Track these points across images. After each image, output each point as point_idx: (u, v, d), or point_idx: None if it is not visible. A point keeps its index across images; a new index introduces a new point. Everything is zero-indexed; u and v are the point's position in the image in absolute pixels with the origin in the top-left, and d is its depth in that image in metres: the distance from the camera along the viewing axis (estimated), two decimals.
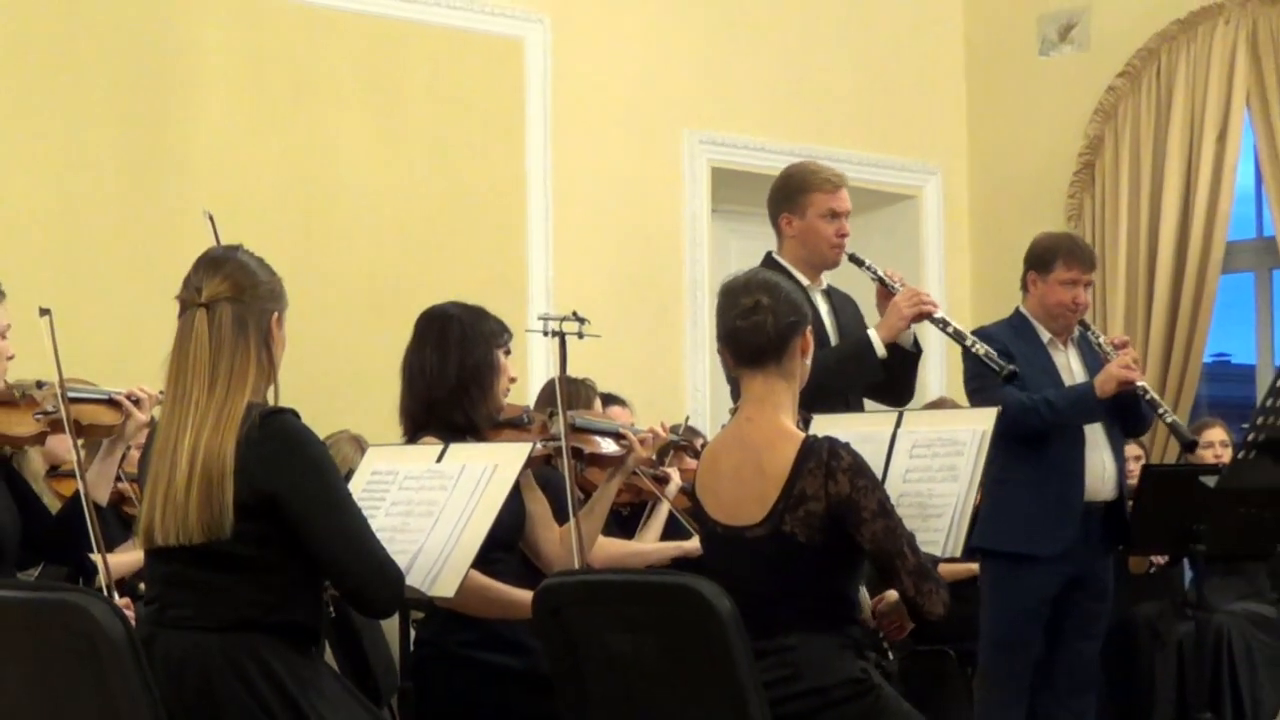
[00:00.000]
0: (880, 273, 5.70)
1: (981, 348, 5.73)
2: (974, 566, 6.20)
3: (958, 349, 6.13)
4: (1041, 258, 6.12)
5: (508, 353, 4.90)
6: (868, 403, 5.76)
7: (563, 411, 4.93)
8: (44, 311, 4.40)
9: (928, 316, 5.60)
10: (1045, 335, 6.10)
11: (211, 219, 3.92)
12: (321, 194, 8.82)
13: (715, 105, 10.20)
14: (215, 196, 8.24)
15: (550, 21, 9.59)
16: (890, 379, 5.65)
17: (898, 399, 5.78)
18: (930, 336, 6.04)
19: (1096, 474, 5.99)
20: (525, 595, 4.36)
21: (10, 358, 4.45)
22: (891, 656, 4.58)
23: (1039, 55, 11.05)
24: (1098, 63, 10.75)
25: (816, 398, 4.58)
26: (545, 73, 9.55)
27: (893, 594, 4.21)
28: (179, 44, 8.51)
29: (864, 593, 4.35)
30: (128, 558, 5.28)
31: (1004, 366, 5.66)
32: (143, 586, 4.13)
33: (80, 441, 4.67)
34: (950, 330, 5.74)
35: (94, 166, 8.23)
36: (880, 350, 5.52)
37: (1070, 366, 6.09)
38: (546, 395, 6.13)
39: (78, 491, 4.47)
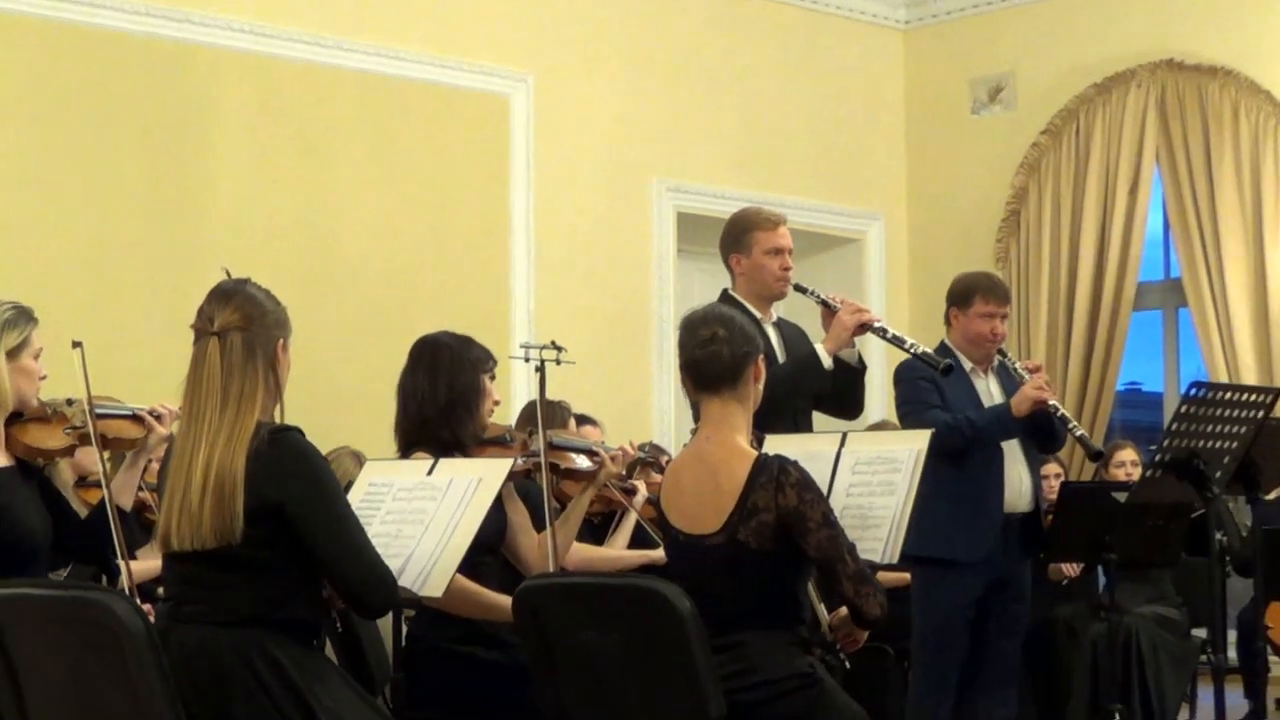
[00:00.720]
0: (823, 296, 5.72)
1: (919, 347, 5.75)
2: (907, 576, 6.19)
3: (898, 378, 6.15)
4: (962, 294, 6.12)
5: (492, 378, 4.90)
6: (815, 423, 5.78)
7: (542, 431, 4.93)
8: (76, 344, 4.39)
9: (869, 326, 5.61)
10: (968, 364, 6.10)
11: (228, 273, 3.92)
12: (326, 234, 8.83)
13: (681, 157, 10.23)
14: (231, 238, 8.28)
15: (533, 81, 9.63)
16: (840, 394, 5.66)
17: (849, 412, 5.80)
18: (873, 370, 6.04)
19: (1015, 487, 6.00)
20: (505, 599, 4.37)
21: (43, 378, 4.45)
22: (849, 665, 4.55)
23: (971, 114, 11.11)
24: (1023, 121, 10.81)
25: (770, 417, 4.58)
26: (528, 127, 9.59)
27: (845, 610, 4.21)
28: (199, 102, 8.53)
29: (821, 609, 4.35)
30: (146, 565, 5.26)
31: (940, 360, 5.70)
32: (160, 590, 4.11)
33: (106, 454, 4.66)
34: (889, 336, 5.75)
35: (122, 212, 8.25)
36: (826, 361, 5.52)
37: (990, 391, 6.09)
38: (527, 415, 6.13)
39: (103, 499, 4.46)
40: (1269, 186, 9.82)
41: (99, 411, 4.51)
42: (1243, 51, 9.98)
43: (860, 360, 5.73)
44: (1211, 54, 10.07)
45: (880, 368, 8.52)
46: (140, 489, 4.79)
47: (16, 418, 4.42)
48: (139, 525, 5.30)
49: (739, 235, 5.74)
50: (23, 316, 4.39)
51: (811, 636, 4.19)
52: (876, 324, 5.65)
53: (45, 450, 4.53)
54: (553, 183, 9.65)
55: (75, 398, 4.51)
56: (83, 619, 3.37)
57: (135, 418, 4.64)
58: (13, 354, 4.33)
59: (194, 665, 3.50)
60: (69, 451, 4.67)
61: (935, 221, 11.14)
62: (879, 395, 9.43)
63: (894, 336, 5.75)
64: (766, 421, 4.50)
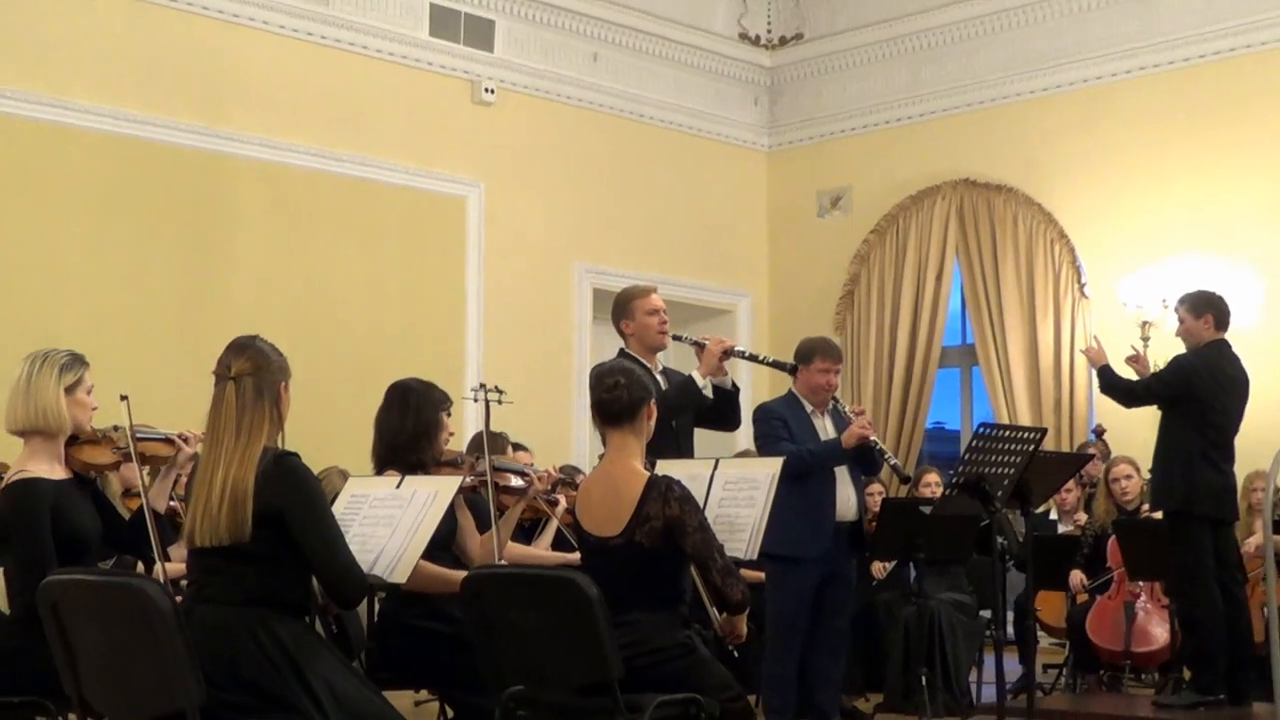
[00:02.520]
0: (694, 339, 5.73)
1: (770, 357, 5.79)
2: (762, 575, 6.16)
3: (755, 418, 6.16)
4: (805, 354, 6.09)
5: (449, 414, 4.87)
6: (699, 440, 5.77)
7: (488, 455, 4.92)
8: (123, 397, 4.33)
9: (730, 351, 5.61)
10: (809, 407, 6.07)
11: None
12: (322, 301, 8.81)
13: (597, 246, 10.29)
14: (247, 304, 8.25)
15: (484, 187, 9.69)
16: (721, 411, 5.66)
17: (729, 425, 5.78)
18: (743, 413, 6.02)
19: (844, 502, 5.98)
20: (457, 574, 4.33)
21: (94, 409, 4.39)
22: (736, 654, 4.50)
23: (817, 217, 11.23)
24: (856, 223, 10.94)
25: (662, 442, 4.58)
26: (480, 222, 9.64)
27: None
28: (224, 198, 8.52)
29: (714, 611, 4.32)
30: (173, 567, 5.19)
31: (787, 363, 5.70)
32: (184, 583, 4.05)
33: (145, 469, 4.60)
34: (747, 355, 5.77)
35: (162, 284, 8.22)
36: (701, 382, 5.52)
37: (826, 428, 6.08)
38: (475, 443, 6.08)
39: (142, 505, 4.41)
40: (1039, 276, 9.99)
41: (138, 435, 4.46)
42: (1022, 174, 10.16)
43: (734, 385, 5.74)
44: (998, 175, 10.25)
45: (745, 410, 8.58)
46: (171, 499, 4.72)
47: (74, 440, 4.36)
48: (171, 526, 5.24)
49: (624, 305, 5.76)
50: (77, 361, 4.34)
51: (690, 615, 4.19)
52: (736, 349, 5.67)
53: (96, 465, 4.47)
54: (497, 264, 9.68)
55: (120, 425, 4.46)
56: (123, 599, 3.32)
57: (168, 440, 4.58)
58: (70, 389, 4.28)
59: (211, 636, 3.44)
60: (115, 467, 4.61)
61: (789, 298, 11.23)
62: (746, 429, 9.51)
63: (750, 355, 5.79)
64: (659, 435, 4.49)
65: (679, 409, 5.48)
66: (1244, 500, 7.13)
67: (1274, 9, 9.21)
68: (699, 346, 5.66)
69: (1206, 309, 6.06)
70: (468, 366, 9.30)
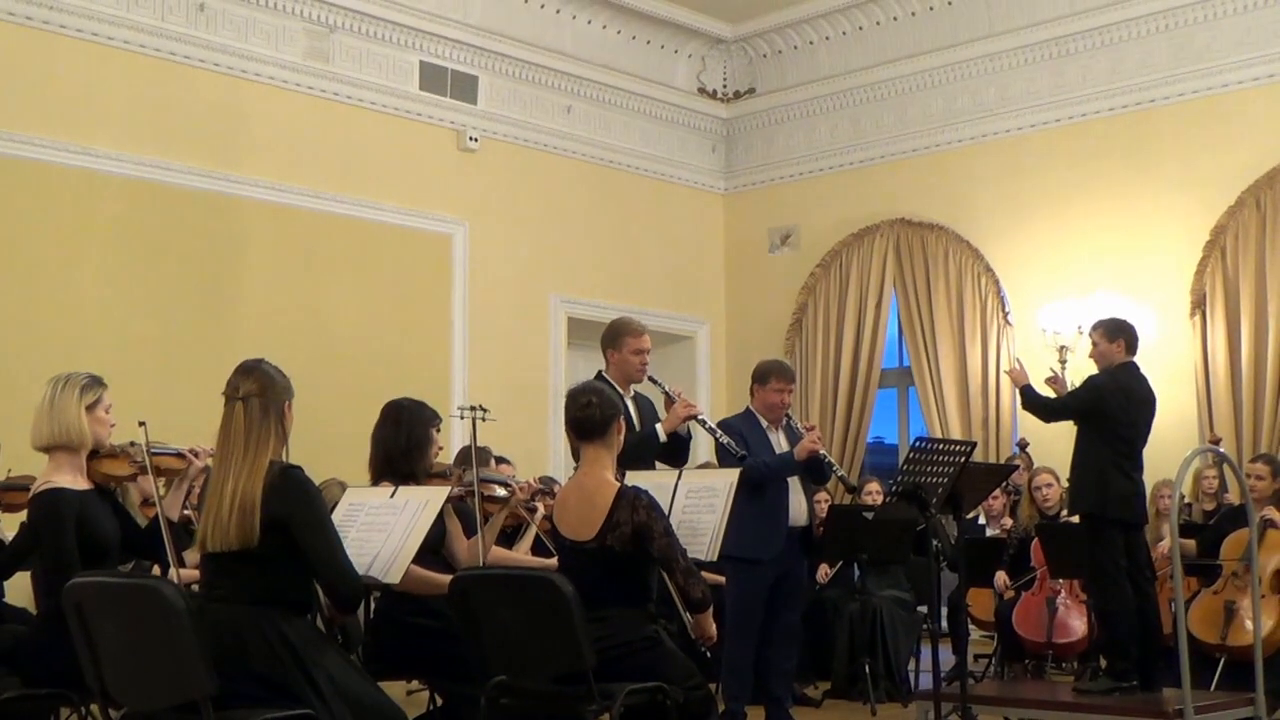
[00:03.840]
0: (668, 389, 5.72)
1: (725, 439, 5.77)
2: (722, 578, 6.15)
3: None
4: (761, 375, 6.10)
5: (438, 431, 4.85)
6: (659, 464, 5.77)
7: (474, 467, 4.89)
8: (141, 423, 4.29)
9: (694, 417, 5.61)
10: (764, 423, 6.08)
11: None
12: (323, 329, 8.77)
13: (571, 278, 10.29)
14: (255, 332, 8.21)
15: (468, 225, 9.67)
16: (673, 452, 5.67)
17: (678, 463, 5.78)
18: (699, 434, 6.02)
19: (796, 509, 5.99)
20: (444, 578, 4.31)
21: (112, 425, 4.36)
22: (709, 654, 4.46)
23: (769, 253, 11.27)
24: (804, 258, 10.98)
25: (630, 461, 4.59)
26: (465, 257, 9.65)
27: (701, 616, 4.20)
28: (234, 236, 8.49)
29: (687, 616, 4.30)
30: (187, 571, 5.13)
31: (739, 452, 5.70)
32: (195, 586, 4.01)
33: (160, 480, 4.56)
34: (707, 427, 5.75)
35: (174, 315, 8.19)
36: (662, 437, 5.55)
37: (780, 442, 6.09)
38: (462, 456, 6.06)
39: (158, 514, 4.37)
40: (968, 306, 10.05)
41: (153, 450, 4.42)
42: (951, 214, 10.23)
43: (688, 432, 5.75)
44: (931, 215, 10.32)
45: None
46: (185, 508, 4.68)
47: (94, 454, 4.33)
48: (185, 533, 5.19)
49: (615, 336, 5.73)
50: (96, 382, 4.31)
51: (656, 611, 4.17)
52: (699, 416, 5.66)
53: (115, 477, 4.43)
54: (481, 295, 9.67)
55: (136, 441, 4.42)
56: (141, 599, 3.30)
57: (180, 455, 4.54)
58: (91, 408, 4.25)
59: (222, 632, 3.42)
60: (132, 478, 4.57)
61: (744, 325, 11.26)
62: (705, 446, 9.52)
63: (710, 428, 5.78)
64: (630, 464, 4.50)
65: (640, 454, 5.48)
66: (1152, 506, 7.17)
67: (1169, 69, 9.33)
68: (669, 399, 5.66)
69: (1119, 334, 6.10)
70: (454, 387, 9.28)
